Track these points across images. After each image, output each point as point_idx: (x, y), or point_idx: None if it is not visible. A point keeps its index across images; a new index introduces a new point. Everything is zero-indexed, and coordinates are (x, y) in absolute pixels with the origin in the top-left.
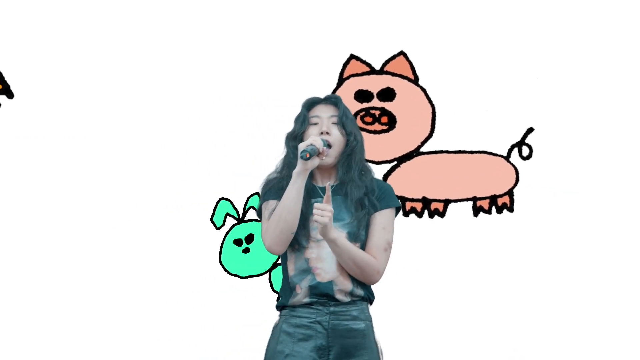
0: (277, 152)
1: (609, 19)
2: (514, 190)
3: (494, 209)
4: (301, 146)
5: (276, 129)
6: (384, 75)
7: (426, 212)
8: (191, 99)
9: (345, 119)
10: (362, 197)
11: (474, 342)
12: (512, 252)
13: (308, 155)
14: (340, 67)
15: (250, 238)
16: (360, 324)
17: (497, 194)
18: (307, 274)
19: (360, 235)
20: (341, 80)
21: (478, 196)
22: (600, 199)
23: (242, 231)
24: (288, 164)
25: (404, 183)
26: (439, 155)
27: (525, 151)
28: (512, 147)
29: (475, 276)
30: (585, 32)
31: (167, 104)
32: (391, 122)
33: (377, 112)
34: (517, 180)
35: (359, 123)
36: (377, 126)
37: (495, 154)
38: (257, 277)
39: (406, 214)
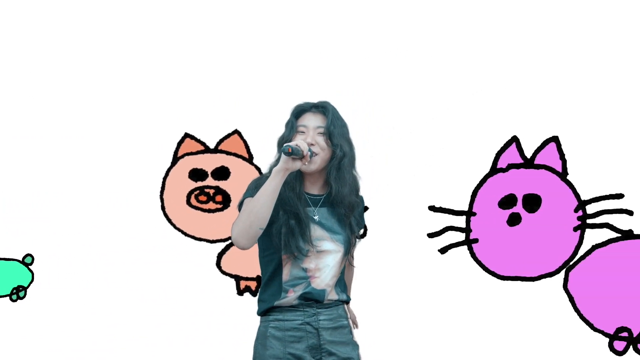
0: None
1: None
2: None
3: None
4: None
5: None
6: (218, 154)
7: None
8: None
9: (332, 128)
10: (349, 216)
11: None
12: None
13: (290, 150)
14: (175, 145)
15: None
16: (344, 321)
17: None
18: (303, 281)
19: (349, 251)
20: (176, 159)
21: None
22: None
23: None
24: (270, 166)
25: (239, 262)
26: None
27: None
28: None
29: None
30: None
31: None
32: (225, 201)
33: (211, 191)
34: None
35: (193, 202)
36: (211, 205)
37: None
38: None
39: (240, 293)
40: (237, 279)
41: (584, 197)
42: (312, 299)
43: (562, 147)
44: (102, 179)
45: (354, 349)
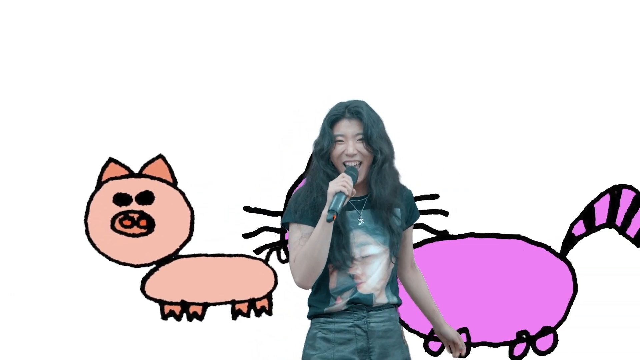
0: None
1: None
2: (273, 294)
3: (252, 312)
4: (330, 193)
5: None
6: (142, 179)
7: (185, 315)
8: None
9: (370, 132)
10: (394, 216)
11: None
12: (273, 356)
13: (335, 217)
14: (99, 170)
15: None
16: (394, 324)
17: (256, 297)
18: (351, 288)
19: (397, 251)
20: (100, 183)
21: (237, 299)
22: None
23: None
24: (320, 181)
25: (163, 286)
26: (197, 258)
27: (283, 255)
28: (270, 250)
29: None
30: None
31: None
32: (150, 226)
33: (135, 216)
34: (276, 283)
35: (117, 226)
36: (135, 229)
37: (254, 258)
38: None
39: (165, 317)
40: (162, 303)
41: None
42: (360, 304)
43: None
44: (26, 202)
45: (403, 352)
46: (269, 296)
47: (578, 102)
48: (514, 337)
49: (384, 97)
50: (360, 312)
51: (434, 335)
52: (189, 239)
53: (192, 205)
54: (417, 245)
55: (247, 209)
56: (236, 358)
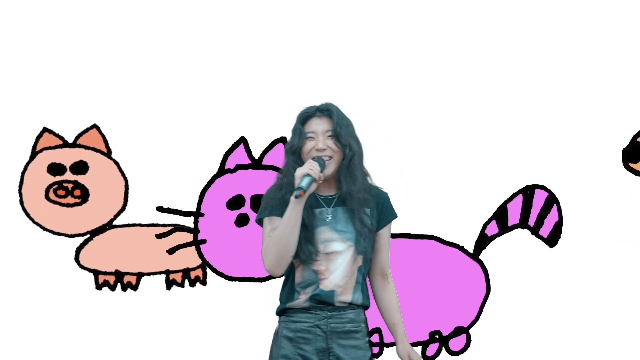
0: None
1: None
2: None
3: (186, 282)
4: (297, 176)
5: None
6: (76, 149)
7: (119, 285)
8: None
9: (339, 129)
10: (363, 213)
11: None
12: (212, 323)
13: (302, 194)
14: (33, 140)
15: None
16: (356, 326)
17: (190, 267)
18: (314, 284)
19: (365, 250)
20: (34, 153)
21: (171, 269)
22: None
23: None
24: (288, 175)
25: (97, 256)
26: (132, 228)
27: None
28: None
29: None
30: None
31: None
32: (84, 195)
33: (70, 185)
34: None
35: (52, 196)
36: (70, 199)
37: (187, 227)
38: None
39: (99, 287)
40: (96, 273)
41: None
42: (322, 302)
43: None
44: None
45: (364, 355)
46: (203, 266)
47: (491, 102)
48: (426, 338)
49: (377, 99)
50: (321, 312)
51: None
52: (123, 208)
53: (127, 175)
54: None
55: (160, 209)
56: (170, 328)
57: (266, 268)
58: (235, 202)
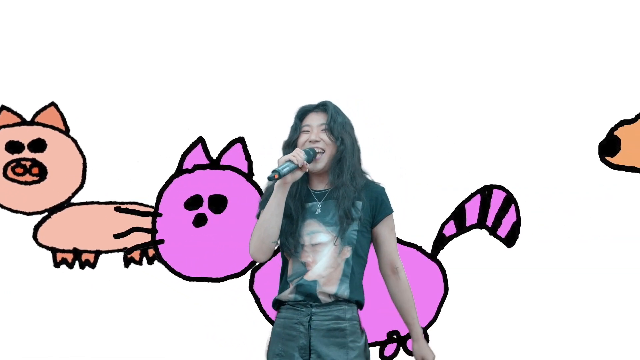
0: None
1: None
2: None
3: (144, 259)
4: (279, 161)
5: None
6: (34, 126)
7: (77, 263)
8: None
9: (333, 124)
10: (351, 205)
11: None
12: (169, 304)
13: (277, 177)
14: None
15: None
16: (342, 323)
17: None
18: (301, 275)
19: (354, 242)
20: None
21: (129, 247)
22: None
23: None
24: None
25: (55, 234)
26: (89, 206)
27: None
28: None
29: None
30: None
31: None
32: (42, 173)
33: (27, 163)
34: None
35: (10, 174)
36: (27, 177)
37: (146, 205)
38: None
39: (57, 265)
40: (54, 251)
41: None
42: (305, 293)
43: (248, 148)
44: None
45: (347, 353)
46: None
47: (449, 102)
48: (384, 338)
49: (377, 99)
50: (306, 308)
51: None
52: (81, 186)
53: (85, 154)
54: None
55: (118, 209)
56: (128, 306)
57: (250, 253)
58: (193, 203)
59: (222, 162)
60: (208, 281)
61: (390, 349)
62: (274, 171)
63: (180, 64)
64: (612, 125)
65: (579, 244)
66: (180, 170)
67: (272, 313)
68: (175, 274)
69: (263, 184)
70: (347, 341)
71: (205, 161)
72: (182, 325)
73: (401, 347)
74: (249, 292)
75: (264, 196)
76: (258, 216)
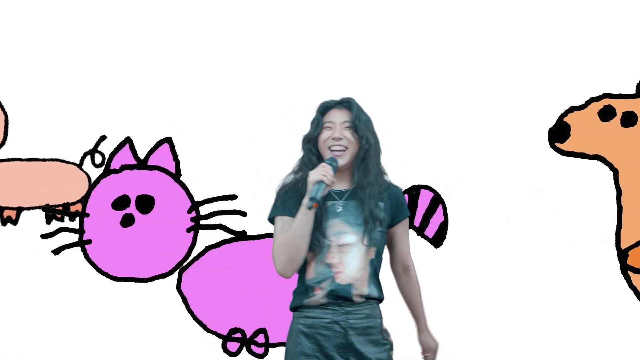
0: None
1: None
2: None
3: (66, 217)
4: (310, 182)
5: None
6: None
7: None
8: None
9: (358, 122)
10: (376, 208)
11: None
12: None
13: (316, 205)
14: None
15: None
16: (374, 321)
17: (70, 201)
18: (328, 278)
19: (377, 242)
20: None
21: (51, 204)
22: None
23: None
24: (304, 165)
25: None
26: (11, 162)
27: (97, 159)
28: (85, 154)
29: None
30: None
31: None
32: None
33: None
34: (91, 187)
35: None
36: None
37: (68, 162)
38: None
39: (3, 223)
40: (0, 209)
41: (197, 198)
42: (340, 297)
43: (175, 148)
44: None
45: (384, 349)
46: (83, 200)
47: (383, 101)
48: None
49: (377, 99)
50: (339, 307)
51: (233, 335)
52: (2, 143)
53: (6, 110)
54: (215, 246)
55: (46, 208)
56: (49, 263)
57: (277, 270)
58: (120, 203)
59: (150, 162)
60: (135, 281)
61: (233, 346)
62: (312, 199)
63: (107, 63)
64: (562, 112)
65: (517, 239)
66: (107, 171)
67: (201, 313)
68: (103, 274)
69: (191, 184)
70: (380, 338)
71: (133, 161)
72: (108, 321)
73: (244, 347)
74: (177, 292)
75: (281, 199)
76: (271, 220)
